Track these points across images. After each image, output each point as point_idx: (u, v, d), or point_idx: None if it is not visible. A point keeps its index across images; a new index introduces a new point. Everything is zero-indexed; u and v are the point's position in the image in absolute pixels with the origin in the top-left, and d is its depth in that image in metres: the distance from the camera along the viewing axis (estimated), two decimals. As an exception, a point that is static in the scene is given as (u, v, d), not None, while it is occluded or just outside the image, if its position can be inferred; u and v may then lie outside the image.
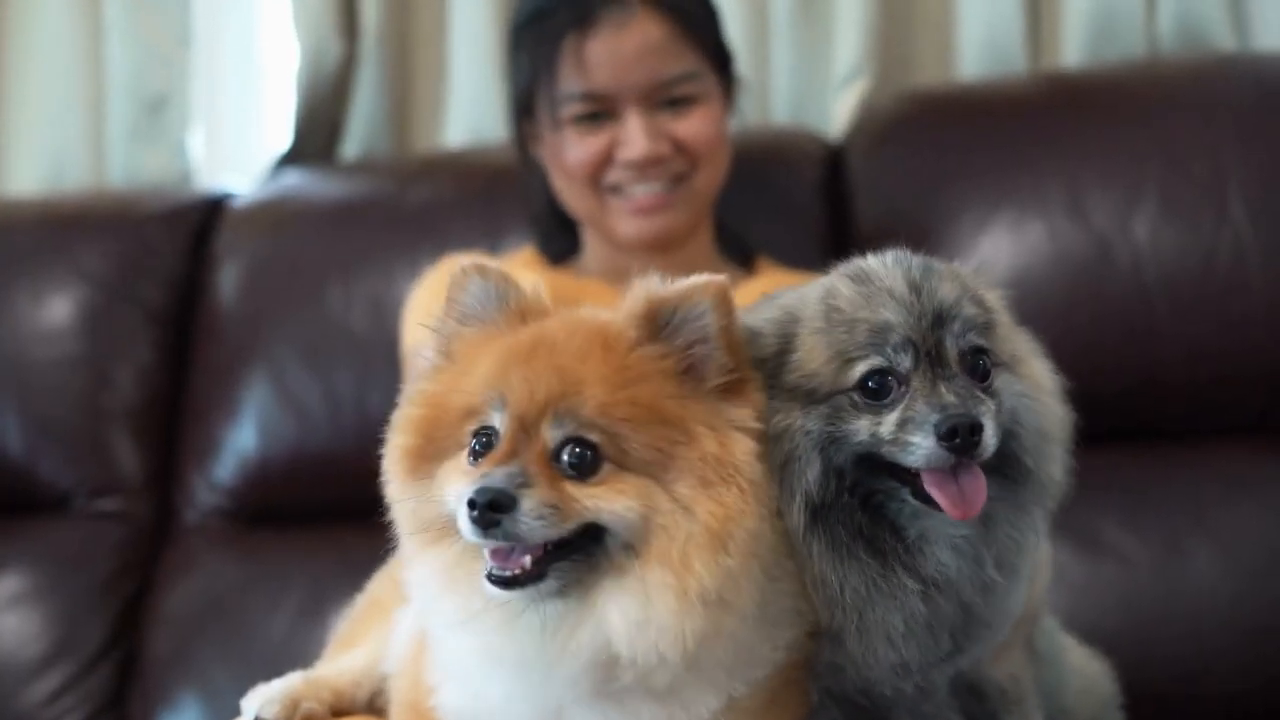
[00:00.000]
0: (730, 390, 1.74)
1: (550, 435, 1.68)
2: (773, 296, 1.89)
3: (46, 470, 3.64)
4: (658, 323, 1.73)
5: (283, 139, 4.07)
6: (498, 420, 1.71)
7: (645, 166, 2.96)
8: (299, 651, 2.55)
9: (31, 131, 4.23)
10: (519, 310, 1.83)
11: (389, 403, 3.26)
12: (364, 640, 2.21)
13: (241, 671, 2.17)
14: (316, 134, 4.02)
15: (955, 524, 1.76)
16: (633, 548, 1.68)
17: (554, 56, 2.96)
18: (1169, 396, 3.15)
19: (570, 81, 2.96)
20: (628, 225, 3.01)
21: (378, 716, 2.11)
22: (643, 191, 2.98)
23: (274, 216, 3.78)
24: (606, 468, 1.67)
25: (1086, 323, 3.13)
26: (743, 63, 3.41)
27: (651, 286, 1.76)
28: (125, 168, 4.16)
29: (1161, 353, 3.13)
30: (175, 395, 3.69)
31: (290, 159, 4.01)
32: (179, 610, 3.47)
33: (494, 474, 1.66)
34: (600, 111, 2.97)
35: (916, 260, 1.80)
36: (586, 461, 1.67)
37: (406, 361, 3.08)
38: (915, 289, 1.75)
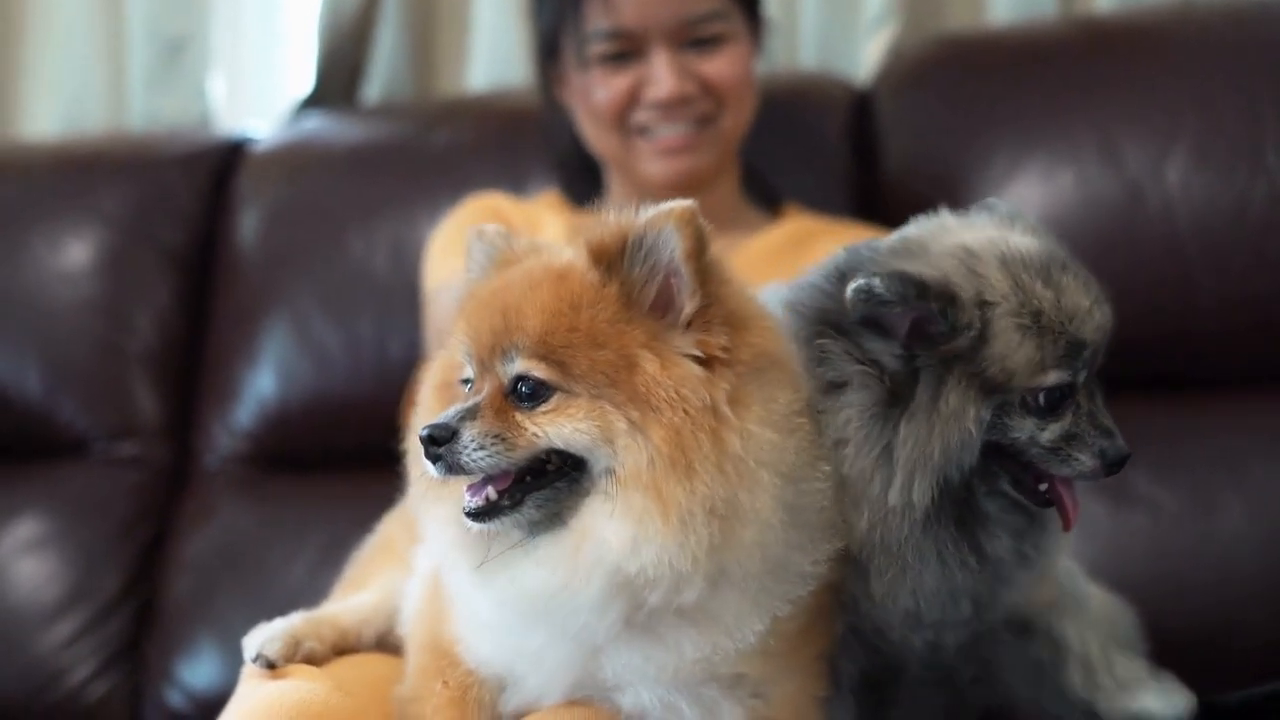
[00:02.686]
0: (706, 319, 1.71)
1: (502, 371, 1.73)
2: (899, 250, 1.85)
3: (65, 414, 3.63)
4: (621, 252, 1.72)
5: (304, 82, 4.05)
6: (469, 369, 1.78)
7: (672, 106, 2.94)
8: (317, 597, 2.53)
9: (51, 74, 4.22)
10: (503, 262, 1.87)
11: (409, 348, 3.27)
12: (373, 581, 2.23)
13: (259, 617, 2.16)
14: (338, 77, 4.00)
15: (1016, 509, 1.86)
16: (613, 471, 1.69)
17: None
18: (1201, 345, 3.11)
19: (597, 19, 2.93)
20: (654, 166, 2.99)
21: (387, 655, 2.11)
22: (669, 132, 2.96)
23: (294, 160, 3.77)
24: (557, 395, 1.71)
25: (1118, 271, 2.99)
26: (771, 6, 3.38)
27: (617, 216, 1.75)
28: (145, 111, 4.14)
29: (1194, 301, 3.09)
30: (194, 339, 3.68)
31: (312, 102, 3.99)
32: (197, 556, 3.47)
33: (447, 411, 1.73)
34: (627, 50, 2.94)
35: (1074, 261, 1.86)
36: (539, 392, 1.71)
37: (427, 303, 3.06)
38: (1100, 305, 1.83)
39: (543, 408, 1.70)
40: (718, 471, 1.66)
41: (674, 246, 1.69)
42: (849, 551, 1.82)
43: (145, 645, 3.43)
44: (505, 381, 1.72)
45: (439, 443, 1.70)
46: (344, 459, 3.41)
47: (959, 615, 1.88)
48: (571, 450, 1.70)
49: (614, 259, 1.72)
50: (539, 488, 1.72)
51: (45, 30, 4.21)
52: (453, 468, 1.71)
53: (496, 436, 1.70)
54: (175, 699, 3.35)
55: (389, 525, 2.34)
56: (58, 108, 4.19)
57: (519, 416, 1.71)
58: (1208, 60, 3.23)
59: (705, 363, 1.69)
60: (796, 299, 1.88)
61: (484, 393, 1.73)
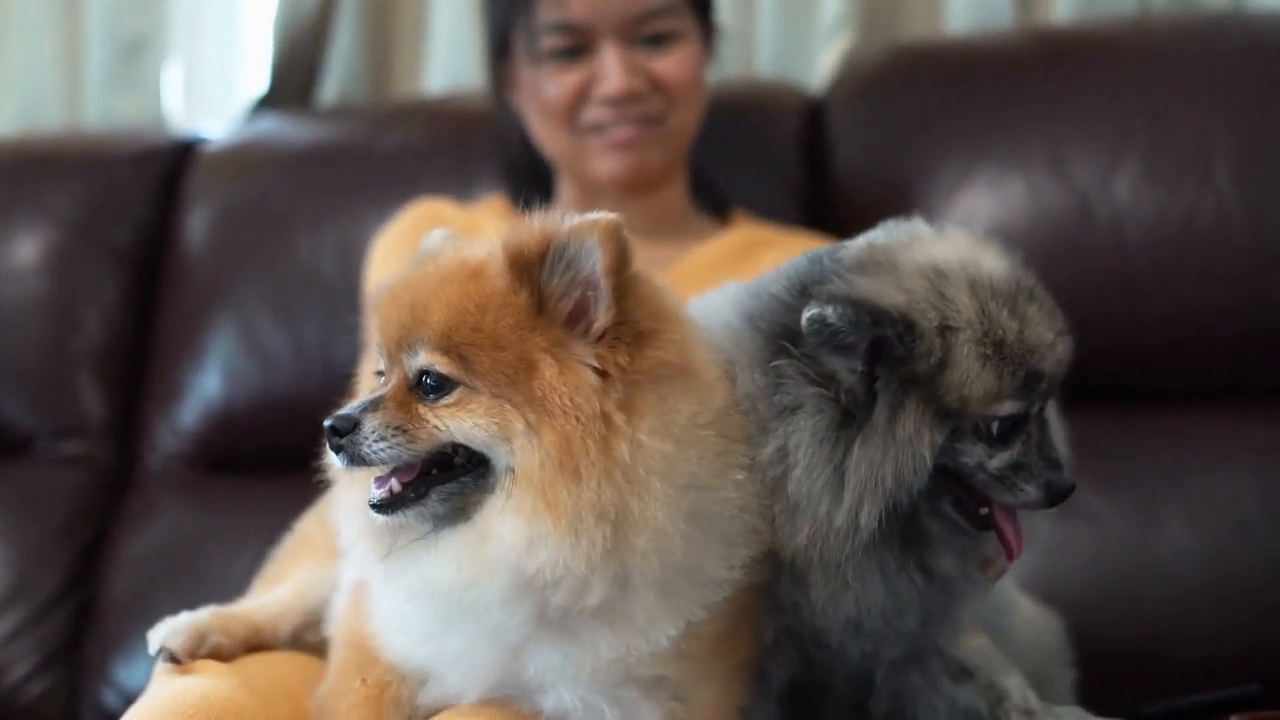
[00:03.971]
0: (615, 335, 1.71)
1: (408, 363, 1.74)
2: (865, 264, 1.83)
3: (9, 412, 3.62)
4: (540, 259, 1.72)
5: (260, 83, 4.03)
6: (381, 361, 1.79)
7: (622, 102, 2.93)
8: (256, 599, 2.52)
9: (8, 73, 4.20)
10: (428, 260, 1.87)
11: (354, 350, 3.25)
12: (289, 578, 2.23)
13: (198, 618, 2.16)
14: (293, 78, 3.99)
15: (958, 531, 1.84)
16: (513, 470, 1.69)
17: None
18: (1147, 358, 3.10)
19: (548, 11, 2.92)
20: (604, 162, 2.98)
21: (301, 653, 2.10)
22: (619, 129, 2.95)
23: (245, 161, 3.75)
24: (460, 390, 1.72)
25: (1064, 282, 2.96)
26: (728, 13, 3.37)
27: (541, 221, 1.75)
28: (102, 110, 4.13)
29: (1140, 313, 3.09)
30: (141, 339, 3.66)
31: (267, 103, 3.98)
32: (138, 556, 3.45)
33: (353, 403, 1.76)
34: (577, 45, 2.93)
35: (1042, 291, 1.87)
36: (442, 385, 1.71)
37: (368, 304, 3.05)
38: (1062, 339, 1.83)
39: (445, 401, 1.71)
40: (606, 477, 1.66)
41: (595, 260, 1.69)
42: (788, 560, 1.81)
43: (83, 644, 3.41)
44: (410, 374, 1.73)
45: (341, 433, 1.72)
46: (287, 461, 3.32)
47: (903, 627, 1.88)
48: (471, 445, 1.71)
49: (532, 265, 1.71)
50: (444, 481, 1.73)
51: (3, 29, 4.20)
52: (354, 459, 1.72)
53: (397, 428, 1.71)
54: (111, 699, 3.31)
55: (307, 523, 2.36)
56: (14, 106, 4.18)
57: (422, 409, 1.72)
58: (1160, 74, 3.23)
59: (603, 372, 1.69)
60: (757, 311, 1.87)
61: (389, 385, 1.74)
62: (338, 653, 1.97)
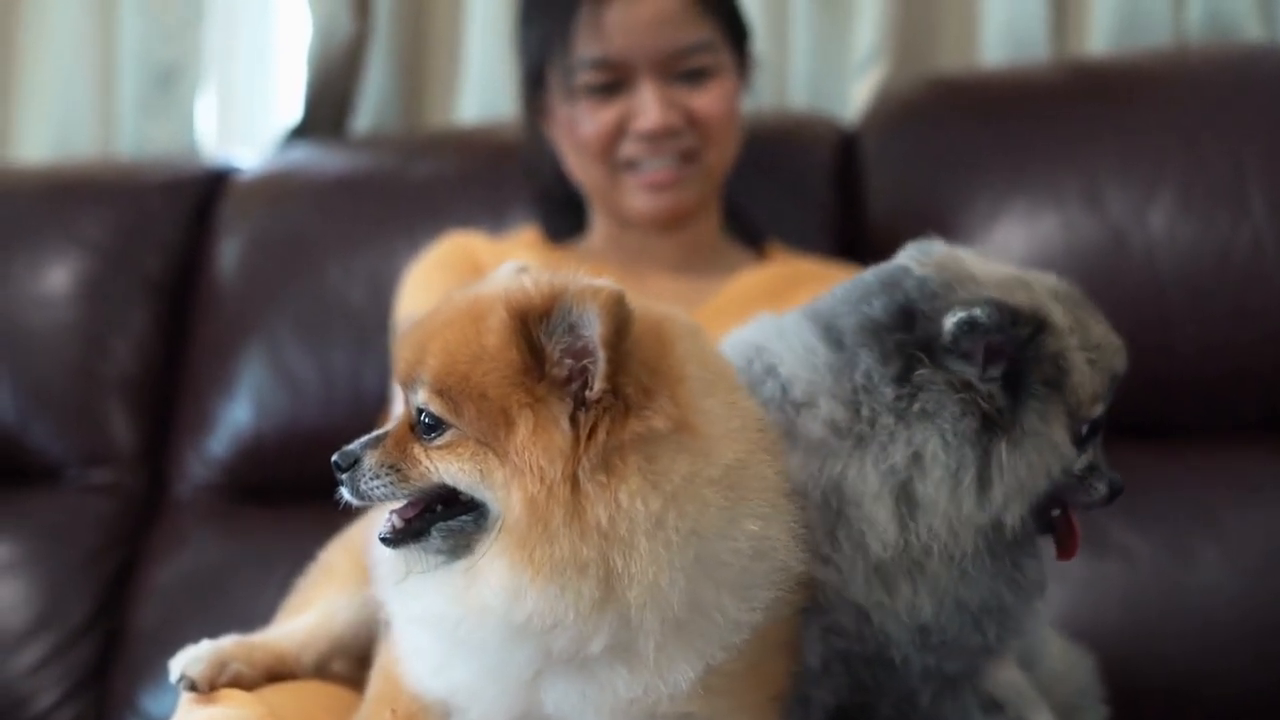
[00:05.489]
0: (604, 405, 1.66)
1: (411, 400, 1.74)
2: (954, 279, 1.83)
3: (38, 439, 3.61)
4: (542, 318, 1.68)
5: (293, 113, 4.04)
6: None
7: (658, 138, 2.91)
8: (284, 629, 2.51)
9: (42, 100, 4.22)
10: None
11: (383, 380, 3.24)
12: (313, 606, 2.23)
13: (225, 648, 2.14)
14: (326, 108, 3.99)
15: (1030, 538, 1.87)
16: (501, 517, 1.68)
17: (569, 22, 2.91)
18: (1181, 392, 3.08)
19: (585, 47, 2.90)
20: (639, 200, 2.97)
21: (326, 682, 2.09)
22: (655, 166, 2.93)
23: (276, 190, 3.75)
24: (451, 432, 1.70)
25: None
26: (761, 45, 3.36)
27: (552, 278, 1.72)
28: (135, 137, 4.14)
29: (1175, 347, 3.07)
30: (171, 367, 3.66)
31: (300, 133, 3.99)
32: (166, 585, 3.44)
33: (361, 439, 1.77)
34: (614, 81, 2.91)
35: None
36: (437, 426, 1.71)
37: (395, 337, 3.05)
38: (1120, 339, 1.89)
39: (438, 442, 1.70)
40: (579, 539, 1.63)
41: (594, 330, 1.65)
42: (882, 562, 1.80)
43: (111, 673, 3.40)
44: (413, 411, 1.73)
45: (343, 469, 1.74)
46: (315, 491, 3.31)
47: (972, 639, 1.88)
48: (459, 488, 1.70)
49: (532, 324, 1.68)
50: (445, 518, 1.72)
51: (38, 56, 4.22)
52: (355, 493, 1.74)
53: (391, 467, 1.72)
54: (138, 729, 3.32)
55: (332, 552, 2.35)
56: (49, 133, 4.19)
57: (417, 449, 1.72)
58: (1195, 106, 3.21)
59: (578, 434, 1.67)
60: (856, 329, 1.85)
61: (397, 421, 1.75)
62: (373, 682, 1.97)
